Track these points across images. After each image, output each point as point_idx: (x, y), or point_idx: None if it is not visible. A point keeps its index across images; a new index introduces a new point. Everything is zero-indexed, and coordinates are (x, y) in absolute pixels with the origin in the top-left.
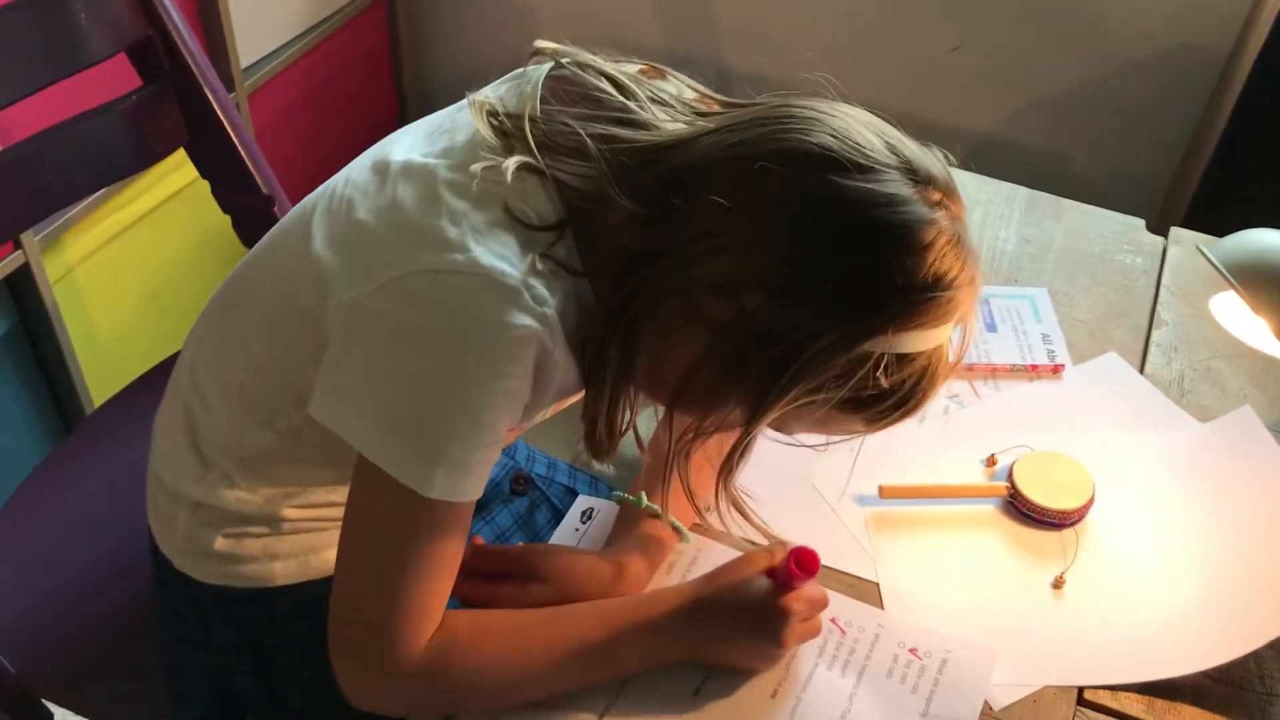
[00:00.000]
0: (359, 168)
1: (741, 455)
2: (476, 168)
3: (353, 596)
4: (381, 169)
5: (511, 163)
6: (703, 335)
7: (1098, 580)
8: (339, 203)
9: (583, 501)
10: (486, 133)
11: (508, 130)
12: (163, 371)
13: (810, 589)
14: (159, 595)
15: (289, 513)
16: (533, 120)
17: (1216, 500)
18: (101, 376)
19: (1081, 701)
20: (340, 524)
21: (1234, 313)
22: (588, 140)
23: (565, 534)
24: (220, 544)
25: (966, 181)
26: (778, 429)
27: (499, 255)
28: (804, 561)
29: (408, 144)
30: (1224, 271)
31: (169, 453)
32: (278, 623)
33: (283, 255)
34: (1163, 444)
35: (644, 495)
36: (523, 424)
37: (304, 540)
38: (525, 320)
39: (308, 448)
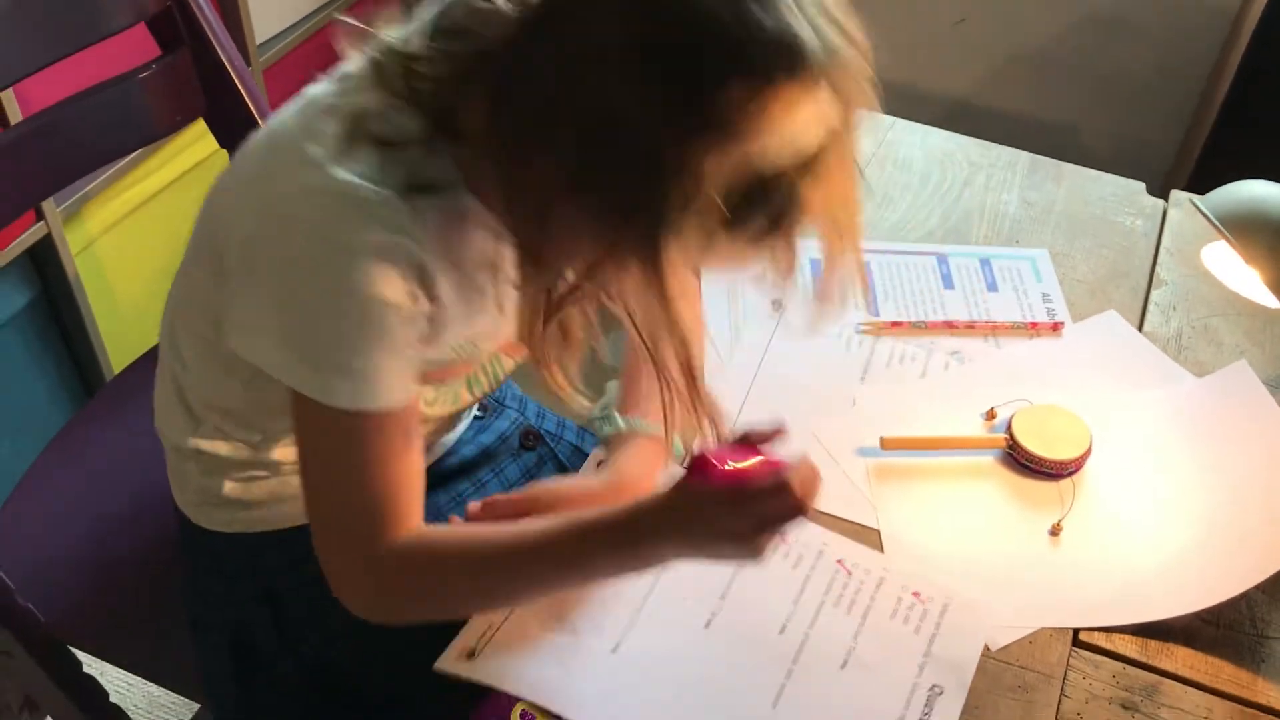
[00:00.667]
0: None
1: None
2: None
3: (316, 507)
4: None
5: (366, 82)
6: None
7: (1094, 528)
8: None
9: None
10: (357, 61)
11: (378, 60)
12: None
13: (755, 478)
14: (183, 556)
15: (285, 454)
16: (397, 52)
17: (1211, 451)
18: (122, 344)
19: (1077, 643)
20: None
21: (1226, 264)
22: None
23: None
24: (229, 489)
25: (970, 147)
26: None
27: (354, 172)
28: (694, 469)
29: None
30: (1214, 222)
31: (165, 411)
32: (290, 567)
33: (213, 200)
34: (1159, 398)
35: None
36: (443, 337)
37: None
38: (381, 234)
39: (270, 391)
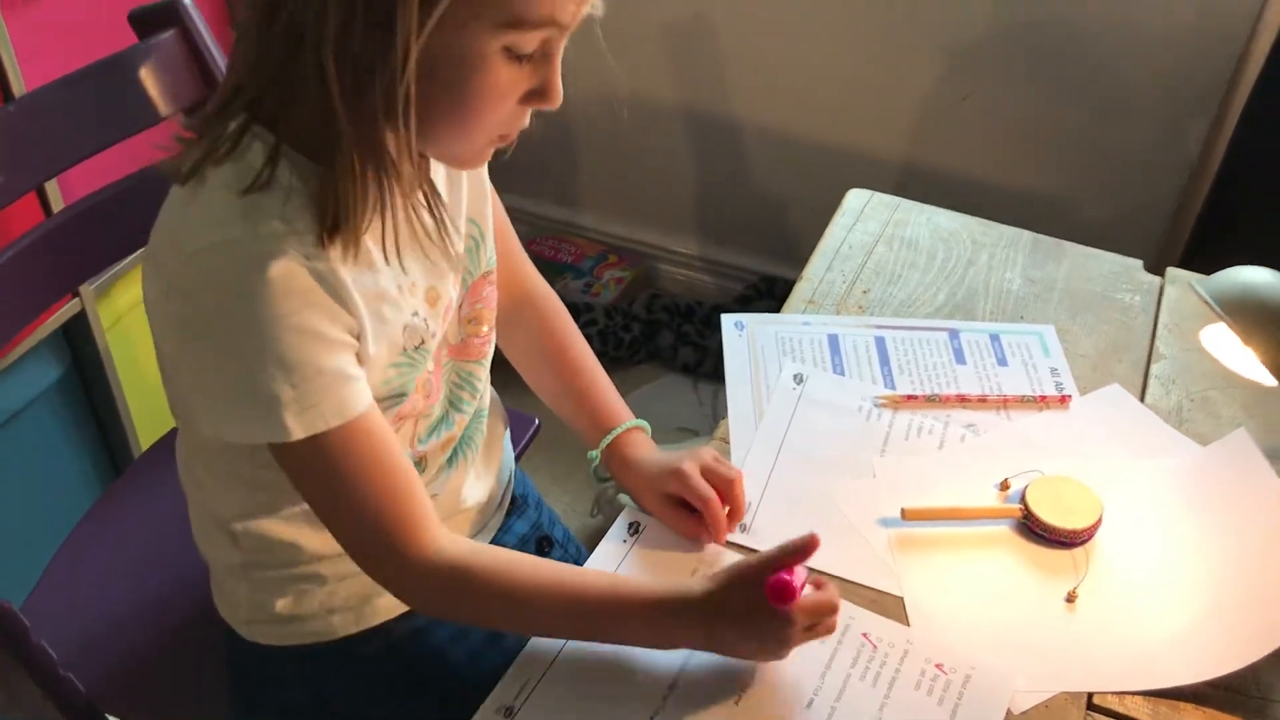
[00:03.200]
0: None
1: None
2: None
3: (339, 534)
4: None
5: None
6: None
7: (1107, 595)
8: None
9: (629, 514)
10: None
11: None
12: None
13: (820, 597)
14: (229, 667)
15: (330, 563)
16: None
17: (1216, 519)
18: (149, 419)
19: (1091, 706)
20: None
21: (1224, 344)
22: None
23: (612, 547)
24: (281, 605)
25: (973, 226)
26: (506, 15)
27: (213, 222)
28: (778, 593)
29: None
30: (1214, 305)
31: (205, 536)
32: (344, 674)
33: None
34: (1165, 467)
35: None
36: (372, 335)
37: (355, 589)
38: (267, 265)
39: (273, 485)
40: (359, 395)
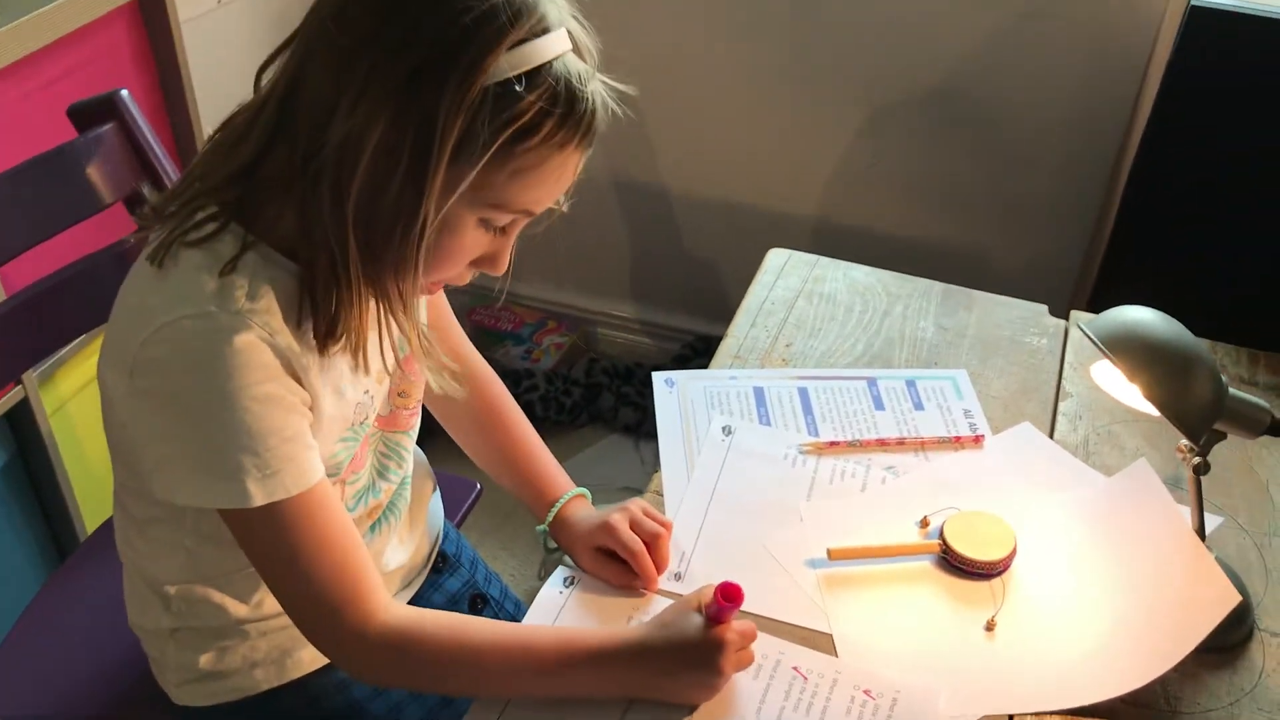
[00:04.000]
0: None
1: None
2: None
3: (283, 600)
4: None
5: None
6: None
7: (1024, 621)
8: None
9: (562, 571)
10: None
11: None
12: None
13: (740, 623)
14: None
15: (251, 620)
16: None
17: (1121, 545)
18: (93, 503)
19: None
20: None
21: (1112, 379)
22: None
23: (548, 600)
24: (205, 661)
25: (888, 280)
26: (498, 199)
27: (183, 298)
28: (729, 593)
29: None
30: (1098, 343)
31: (136, 602)
32: None
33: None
34: (1073, 499)
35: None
36: (323, 404)
37: (276, 642)
38: (232, 338)
39: (212, 556)
40: (316, 465)
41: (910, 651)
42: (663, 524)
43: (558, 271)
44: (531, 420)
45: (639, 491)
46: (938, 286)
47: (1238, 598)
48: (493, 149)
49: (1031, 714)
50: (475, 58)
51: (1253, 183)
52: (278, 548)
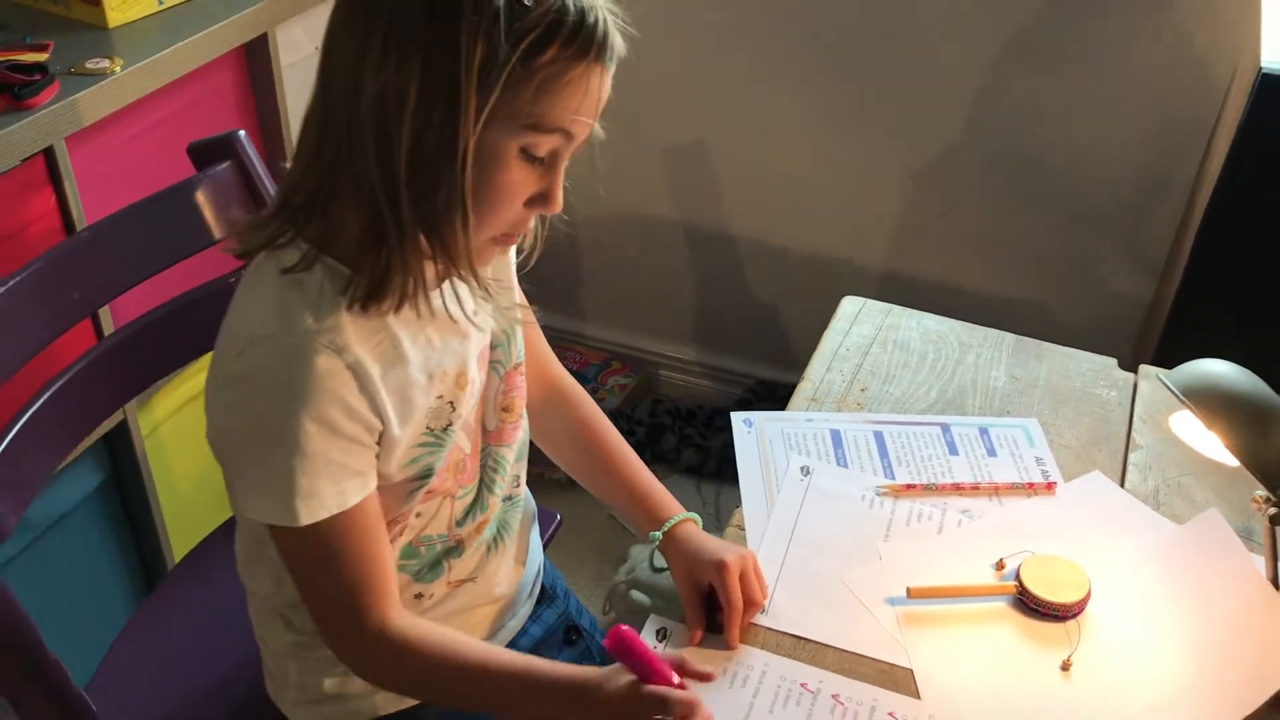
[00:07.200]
0: None
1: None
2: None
3: (311, 607)
4: None
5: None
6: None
7: (1099, 663)
8: None
9: (655, 621)
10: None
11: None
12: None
13: (682, 694)
14: None
15: None
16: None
17: (1194, 591)
18: (181, 520)
19: None
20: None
21: (1190, 429)
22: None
23: None
24: (329, 685)
25: (960, 329)
26: (531, 118)
27: (255, 319)
28: (620, 640)
29: None
30: (1179, 395)
31: (261, 619)
32: None
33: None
34: (1146, 545)
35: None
36: (394, 423)
37: None
38: (304, 359)
39: None
40: (360, 488)
41: (989, 690)
42: (761, 594)
43: (623, 314)
44: None
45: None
46: (1009, 337)
47: None
48: (512, 62)
49: None
50: None
51: None
52: (315, 561)
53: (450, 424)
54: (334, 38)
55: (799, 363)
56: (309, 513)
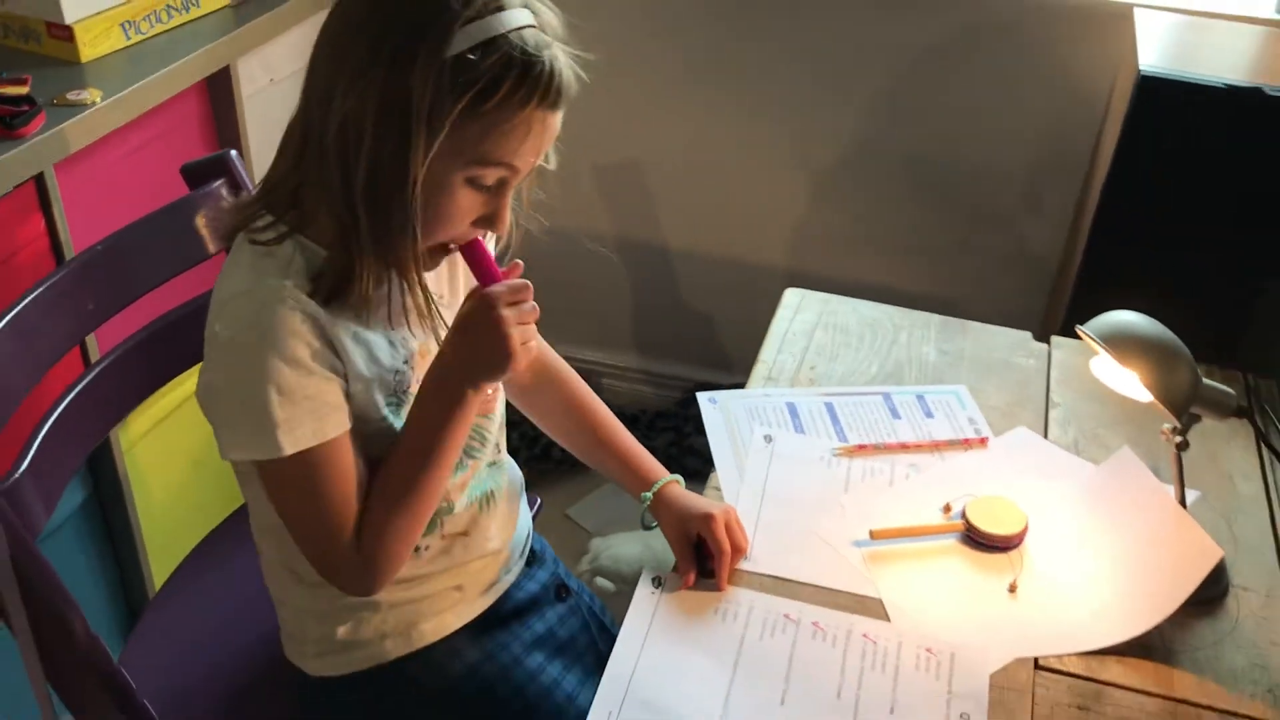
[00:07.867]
0: None
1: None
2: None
3: (298, 527)
4: None
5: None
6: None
7: (1040, 584)
8: None
9: (649, 573)
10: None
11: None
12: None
13: (509, 281)
14: (300, 709)
15: (384, 590)
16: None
17: (1117, 517)
18: (159, 536)
19: (1038, 667)
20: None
21: (1108, 370)
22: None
23: (643, 600)
24: (343, 632)
25: (893, 313)
26: (476, 155)
27: (235, 282)
28: (469, 245)
29: None
30: (1098, 340)
31: (274, 578)
32: (396, 696)
33: None
34: (1071, 483)
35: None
36: (359, 368)
37: (404, 615)
38: (273, 307)
39: None
40: (338, 423)
41: (948, 612)
42: (744, 542)
43: (565, 325)
44: (545, 462)
45: (652, 527)
46: (935, 318)
47: (1220, 552)
48: (458, 109)
49: (1053, 656)
50: (437, 35)
51: (1199, 229)
52: (301, 489)
53: (408, 389)
54: (316, 61)
55: (735, 365)
56: (291, 443)
